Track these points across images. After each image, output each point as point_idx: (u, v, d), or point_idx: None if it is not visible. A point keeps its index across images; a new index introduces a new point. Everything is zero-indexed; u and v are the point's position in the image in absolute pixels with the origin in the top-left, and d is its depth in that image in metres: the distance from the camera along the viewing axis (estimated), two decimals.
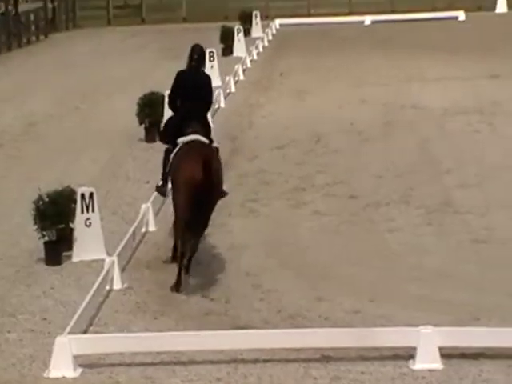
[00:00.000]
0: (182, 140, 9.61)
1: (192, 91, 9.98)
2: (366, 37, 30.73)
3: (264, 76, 22.19)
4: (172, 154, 9.64)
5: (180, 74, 10.21)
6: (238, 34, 26.38)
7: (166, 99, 11.24)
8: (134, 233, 10.16)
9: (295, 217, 11.14)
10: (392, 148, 14.29)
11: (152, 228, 10.84)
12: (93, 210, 9.91)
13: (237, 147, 14.91)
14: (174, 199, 9.49)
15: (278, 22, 34.58)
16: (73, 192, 10.08)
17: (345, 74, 21.93)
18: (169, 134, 9.94)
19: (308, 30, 33.11)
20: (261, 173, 13.17)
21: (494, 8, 37.60)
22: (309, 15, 38.91)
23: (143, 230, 10.73)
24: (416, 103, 17.65)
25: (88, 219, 9.88)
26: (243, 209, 11.49)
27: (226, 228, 10.76)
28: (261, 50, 26.05)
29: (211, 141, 9.76)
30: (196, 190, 8.99)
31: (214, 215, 9.61)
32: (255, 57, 25.57)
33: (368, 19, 35.78)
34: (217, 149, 9.81)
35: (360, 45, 28.14)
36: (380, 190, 12.01)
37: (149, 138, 15.46)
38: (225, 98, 18.92)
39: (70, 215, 9.95)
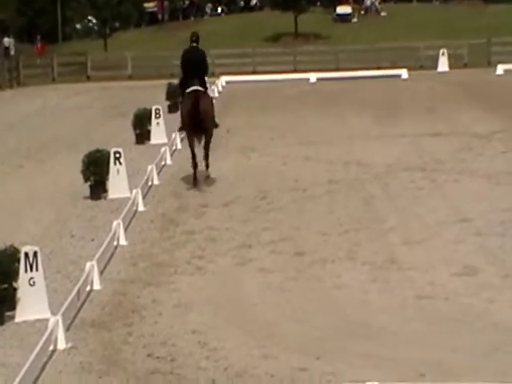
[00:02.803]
0: (186, 91, 15.86)
1: (192, 62, 15.98)
2: (311, 94, 31.17)
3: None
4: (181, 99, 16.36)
5: (185, 51, 16.37)
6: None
7: (180, 67, 16.36)
8: (78, 291, 10.08)
9: (242, 274, 11.17)
10: (337, 205, 14.44)
11: (97, 286, 10.77)
12: (37, 269, 9.81)
13: (183, 204, 14.94)
14: (182, 122, 16.22)
15: (223, 79, 34.95)
16: (16, 251, 9.98)
17: (290, 131, 22.19)
18: (181, 88, 16.19)
19: (254, 88, 33.49)
20: (207, 229, 13.21)
21: (435, 67, 38.50)
22: (254, 73, 39.40)
23: (88, 288, 10.65)
24: (360, 160, 17.90)
25: (32, 278, 9.79)
26: (190, 266, 11.49)
27: (172, 285, 10.75)
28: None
29: (206, 90, 16.01)
30: (193, 113, 15.60)
31: (159, 273, 10.64)
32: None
33: (313, 77, 36.34)
34: (210, 97, 16.53)
35: (305, 102, 28.53)
36: (326, 247, 12.10)
37: (94, 195, 15.44)
38: (171, 154, 19.01)
39: (13, 274, 9.85)
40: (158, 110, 21.44)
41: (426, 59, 39.87)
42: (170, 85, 27.69)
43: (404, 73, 36.39)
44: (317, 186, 15.74)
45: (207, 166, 16.35)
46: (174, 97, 26.81)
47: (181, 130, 17.06)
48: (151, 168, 16.57)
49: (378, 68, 38.30)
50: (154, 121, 21.30)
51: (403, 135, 20.73)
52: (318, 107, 26.98)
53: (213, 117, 16.15)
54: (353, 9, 60.36)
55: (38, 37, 56.44)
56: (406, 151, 18.72)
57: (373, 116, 24.23)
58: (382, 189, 15.52)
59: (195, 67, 15.91)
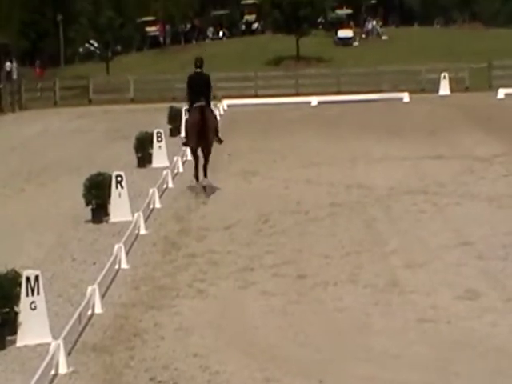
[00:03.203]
0: (193, 106, 17.08)
1: (198, 85, 17.26)
2: (312, 117, 31.27)
3: (212, 156, 22.38)
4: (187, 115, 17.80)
5: (190, 77, 17.54)
6: (185, 114, 26.65)
7: (186, 92, 17.67)
8: (80, 315, 10.08)
9: (244, 297, 11.17)
10: (338, 228, 14.45)
11: (98, 310, 10.77)
12: (38, 293, 9.82)
13: (185, 227, 14.96)
14: (186, 135, 17.73)
15: (225, 102, 35.06)
16: (18, 275, 9.98)
17: (292, 154, 22.24)
18: (189, 107, 17.43)
19: (255, 111, 33.61)
20: (209, 253, 13.21)
21: (437, 90, 38.60)
22: (256, 96, 39.52)
23: (89, 312, 10.65)
24: (362, 183, 17.93)
25: (33, 302, 9.79)
26: (191, 289, 11.49)
27: (174, 309, 10.75)
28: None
29: (211, 109, 17.46)
30: (197, 126, 16.91)
31: (161, 296, 10.78)
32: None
33: (315, 100, 36.46)
34: (214, 112, 18.10)
35: (307, 125, 28.61)
36: (328, 270, 12.10)
37: (96, 219, 15.46)
38: (173, 178, 19.05)
39: (14, 298, 9.85)
40: (160, 133, 21.52)
41: (428, 82, 39.98)
42: (171, 108, 27.81)
43: (405, 96, 36.50)
44: (319, 209, 15.76)
45: (206, 175, 17.68)
46: (176, 120, 26.97)
47: (185, 144, 18.35)
48: (153, 191, 16.60)
49: (380, 91, 38.40)
50: (155, 144, 21.37)
51: (405, 158, 20.77)
52: (319, 130, 27.05)
53: (216, 129, 17.57)
54: (354, 32, 60.61)
55: (38, 61, 56.71)
56: (408, 174, 18.76)
57: (374, 139, 24.29)
58: (383, 211, 15.53)
59: (201, 90, 17.20)
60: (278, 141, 24.96)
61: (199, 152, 17.61)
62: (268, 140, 25.28)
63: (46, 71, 56.91)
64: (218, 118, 29.77)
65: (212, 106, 17.85)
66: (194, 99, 17.11)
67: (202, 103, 16.95)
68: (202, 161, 17.65)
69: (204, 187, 17.53)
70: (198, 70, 17.37)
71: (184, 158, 21.58)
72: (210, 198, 17.12)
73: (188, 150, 20.05)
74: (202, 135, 17.03)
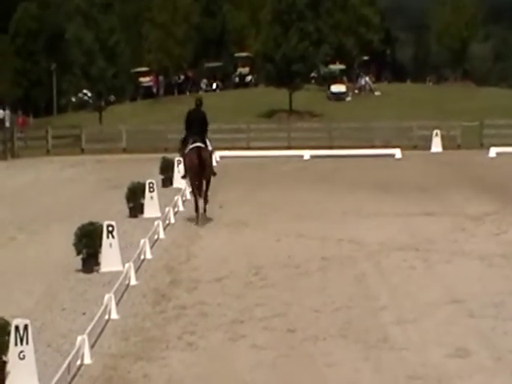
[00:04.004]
0: (189, 146, 19.67)
1: (195, 120, 19.85)
2: (304, 171, 31.46)
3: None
4: (185, 153, 19.89)
5: (189, 111, 20.21)
6: (177, 165, 26.82)
7: (184, 125, 20.21)
8: (69, 365, 10.06)
9: (233, 350, 11.17)
10: (329, 282, 14.48)
11: (88, 361, 10.75)
12: (27, 343, 9.78)
13: (176, 278, 14.97)
14: (186, 175, 20.46)
15: (217, 154, 35.22)
16: (6, 324, 9.97)
17: (283, 207, 22.34)
18: (184, 143, 19.94)
19: (248, 163, 33.81)
20: (199, 304, 13.22)
21: (429, 147, 38.93)
22: (249, 148, 39.78)
23: (78, 362, 10.63)
24: (353, 238, 18.00)
25: (22, 352, 9.75)
26: (181, 341, 11.49)
27: (163, 361, 10.74)
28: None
29: (206, 146, 19.79)
30: (196, 168, 19.53)
31: (150, 347, 10.82)
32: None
33: (307, 154, 36.70)
34: (211, 150, 20.28)
35: (299, 179, 28.78)
36: (318, 324, 12.11)
37: (86, 268, 15.46)
38: (164, 228, 19.09)
39: (3, 348, 9.83)
40: (152, 183, 21.60)
41: (420, 139, 40.34)
42: (164, 159, 27.96)
43: (398, 152, 36.78)
44: (309, 263, 15.81)
45: (205, 210, 20.23)
46: (168, 171, 27.10)
47: (184, 177, 21.13)
48: (144, 242, 16.64)
49: (372, 147, 38.72)
50: (147, 194, 21.45)
51: (396, 214, 20.89)
52: (311, 184, 27.20)
53: (211, 166, 20.37)
54: (347, 87, 61.26)
55: (20, 111, 56.84)
56: (399, 230, 18.85)
57: (366, 194, 24.43)
58: (374, 267, 15.59)
59: (198, 125, 19.82)
60: (270, 193, 25.08)
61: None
62: (260, 192, 25.40)
63: (29, 120, 57.15)
64: None
65: (208, 143, 20.09)
66: (191, 136, 19.76)
67: (199, 144, 19.54)
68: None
69: (201, 216, 20.06)
70: (197, 107, 20.24)
71: (176, 209, 21.67)
72: (202, 247, 17.17)
73: (184, 186, 23.59)
74: (202, 174, 19.75)
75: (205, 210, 20.22)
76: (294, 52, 53.14)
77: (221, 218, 20.89)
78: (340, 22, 65.68)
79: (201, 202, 20.13)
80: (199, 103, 20.38)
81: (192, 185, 20.41)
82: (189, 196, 23.88)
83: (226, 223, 20.18)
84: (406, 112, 49.63)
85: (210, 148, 20.26)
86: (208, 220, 20.17)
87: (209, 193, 20.37)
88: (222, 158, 35.04)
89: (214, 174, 20.40)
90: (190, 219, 20.44)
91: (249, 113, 51.99)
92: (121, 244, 15.90)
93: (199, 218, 20.00)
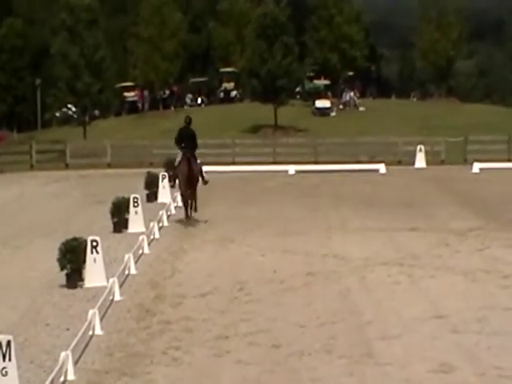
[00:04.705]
0: (180, 158, 22.01)
1: (186, 137, 22.01)
2: (290, 186, 31.52)
3: (189, 223, 22.49)
4: (176, 164, 22.35)
5: (180, 129, 22.30)
6: (162, 180, 26.83)
7: (175, 141, 22.40)
8: (52, 382, 10.03)
9: (218, 366, 11.17)
10: (314, 297, 14.51)
11: (71, 377, 10.71)
12: (10, 359, 9.71)
13: (160, 294, 14.96)
14: (178, 183, 22.72)
15: (203, 169, 35.20)
16: None
17: (268, 222, 22.38)
18: (178, 159, 22.21)
19: (233, 178, 33.84)
20: (184, 320, 13.22)
21: (413, 162, 39.08)
22: (234, 163, 39.81)
23: (62, 379, 10.58)
24: (337, 253, 18.05)
25: (4, 368, 9.68)
26: (166, 356, 11.48)
27: (148, 376, 10.72)
28: (184, 209, 26.58)
29: (196, 159, 22.25)
30: (186, 176, 21.79)
31: (135, 363, 10.84)
32: (180, 203, 25.93)
33: (292, 169, 36.78)
34: (200, 164, 22.87)
35: (283, 194, 28.83)
36: (302, 339, 12.13)
37: (70, 284, 15.42)
38: (148, 244, 19.08)
39: None
40: (137, 198, 21.58)
41: (404, 155, 40.48)
42: (148, 174, 27.95)
43: (382, 167, 36.94)
44: (294, 278, 15.84)
45: (196, 209, 22.60)
46: (153, 186, 27.10)
47: (173, 187, 24.68)
48: (128, 257, 16.63)
49: (357, 162, 38.83)
50: (132, 209, 21.44)
51: (381, 229, 20.96)
52: (296, 199, 27.26)
53: (201, 173, 22.54)
54: (331, 103, 61.42)
55: (3, 127, 56.74)
56: (384, 245, 18.92)
57: (351, 209, 24.51)
58: (359, 282, 15.63)
59: (188, 141, 21.86)
60: (255, 209, 25.12)
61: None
62: (245, 208, 25.43)
63: (9, 135, 57.06)
64: None
65: (196, 157, 22.34)
66: (182, 146, 21.97)
67: (189, 156, 21.76)
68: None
69: (190, 218, 22.45)
70: (187, 125, 22.14)
71: (160, 224, 21.67)
72: (187, 262, 17.18)
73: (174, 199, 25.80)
74: (191, 182, 21.97)
75: (195, 210, 22.62)
76: (279, 67, 53.31)
77: (206, 233, 20.91)
78: (325, 38, 65.95)
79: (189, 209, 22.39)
80: (188, 121, 22.19)
81: (182, 191, 22.39)
82: (173, 211, 24.09)
83: (211, 238, 20.19)
84: (390, 127, 49.81)
85: (198, 161, 22.53)
86: (196, 222, 22.41)
87: (197, 200, 22.59)
88: (206, 173, 34.99)
89: (206, 182, 22.85)
90: (179, 221, 22.70)
91: (234, 128, 52.04)
92: (105, 259, 15.89)
93: (190, 217, 22.47)
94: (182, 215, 22.76)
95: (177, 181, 23.19)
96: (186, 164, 21.73)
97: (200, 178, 22.53)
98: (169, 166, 32.19)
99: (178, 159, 22.11)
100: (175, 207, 24.94)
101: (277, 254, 18.26)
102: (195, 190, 22.44)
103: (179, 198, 24.28)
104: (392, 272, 16.24)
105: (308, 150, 41.91)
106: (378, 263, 17.02)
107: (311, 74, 65.47)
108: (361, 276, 16.04)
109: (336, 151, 41.30)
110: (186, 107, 65.85)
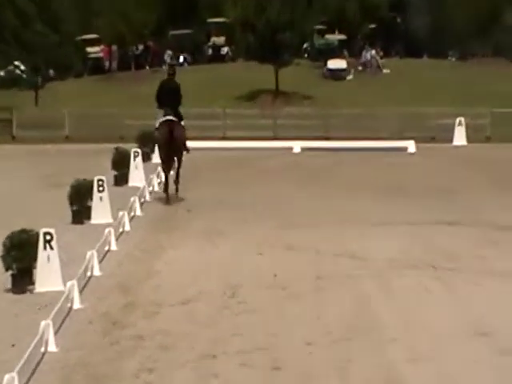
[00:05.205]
0: (160, 120, 23.13)
1: (167, 92, 23.08)
2: (294, 168, 31.56)
3: (167, 212, 22.50)
4: (156, 126, 23.48)
5: (162, 81, 23.70)
6: (135, 158, 26.78)
7: (155, 97, 23.60)
8: None
9: None
10: (325, 308, 14.53)
11: None
12: None
13: (131, 301, 14.98)
14: (158, 149, 24.68)
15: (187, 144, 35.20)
16: None
17: (267, 213, 22.39)
18: (157, 117, 23.19)
19: (224, 157, 33.88)
20: (161, 334, 13.23)
21: (450, 139, 39.07)
22: (224, 138, 39.84)
23: None
24: (354, 253, 18.07)
25: None
26: (138, 380, 11.49)
27: None
28: (164, 179, 26.49)
29: (180, 119, 23.28)
30: (166, 142, 22.90)
31: None
32: (156, 187, 25.95)
33: (297, 146, 36.80)
34: (183, 125, 23.53)
35: (287, 178, 28.86)
36: (310, 361, 12.15)
37: (17, 288, 15.41)
38: (116, 238, 19.07)
39: None
40: (102, 181, 21.56)
41: (439, 129, 40.49)
42: (117, 150, 27.90)
43: (411, 145, 36.95)
44: (300, 283, 15.86)
45: (177, 190, 23.75)
46: (123, 166, 27.05)
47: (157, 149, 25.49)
48: (91, 254, 16.62)
49: (379, 139, 38.83)
50: (96, 195, 21.41)
51: (408, 223, 20.98)
52: (302, 184, 27.27)
53: (185, 143, 23.46)
54: (348, 63, 61.37)
55: None
56: (412, 243, 18.94)
57: (371, 198, 24.52)
58: (380, 289, 15.65)
59: (170, 96, 22.91)
60: (251, 195, 25.12)
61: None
62: (238, 194, 25.44)
63: None
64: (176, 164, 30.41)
65: (182, 115, 23.42)
66: (162, 104, 23.06)
67: (170, 117, 22.83)
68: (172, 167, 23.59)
69: (177, 199, 23.61)
70: (170, 77, 23.46)
71: (132, 214, 21.66)
72: (165, 262, 17.20)
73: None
74: (173, 150, 23.04)
75: (176, 190, 23.81)
76: (281, 18, 53.18)
77: (189, 225, 20.91)
78: None
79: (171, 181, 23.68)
80: (172, 72, 23.77)
81: (162, 161, 23.69)
82: (148, 197, 24.14)
83: (196, 232, 20.20)
84: (421, 96, 49.86)
85: (182, 123, 23.50)
86: (180, 200, 23.61)
87: (180, 171, 23.67)
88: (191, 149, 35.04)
89: (188, 150, 23.80)
90: (159, 199, 23.89)
91: (225, 94, 52.05)
92: (61, 257, 15.87)
93: (170, 198, 23.48)
94: (162, 195, 23.73)
95: (155, 148, 24.68)
96: (166, 127, 22.79)
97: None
98: (143, 140, 32.38)
99: (159, 120, 23.15)
100: (150, 192, 24.94)
101: (278, 251, 18.28)
102: (180, 159, 23.44)
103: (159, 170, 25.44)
104: (423, 277, 16.26)
105: (317, 122, 41.92)
106: (405, 266, 17.05)
107: (322, 27, 65.39)
108: (383, 281, 16.07)
109: (352, 125, 41.31)
110: (164, 67, 65.78)
